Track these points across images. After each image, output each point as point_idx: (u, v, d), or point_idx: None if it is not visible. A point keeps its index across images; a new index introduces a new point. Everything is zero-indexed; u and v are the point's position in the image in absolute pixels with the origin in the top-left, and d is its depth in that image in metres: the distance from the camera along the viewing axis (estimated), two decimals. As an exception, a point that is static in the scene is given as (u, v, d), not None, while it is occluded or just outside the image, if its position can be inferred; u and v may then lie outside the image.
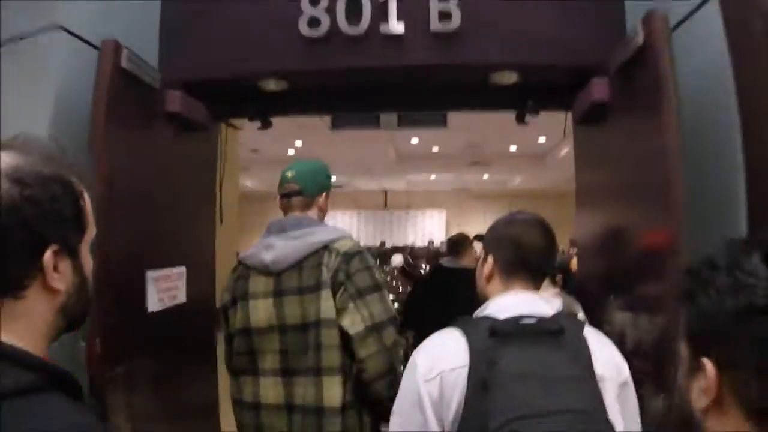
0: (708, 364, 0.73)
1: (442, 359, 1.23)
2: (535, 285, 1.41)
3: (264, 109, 3.33)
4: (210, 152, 3.41)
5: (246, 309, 1.93)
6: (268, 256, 1.92)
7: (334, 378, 1.78)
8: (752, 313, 0.69)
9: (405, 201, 21.79)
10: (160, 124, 2.77)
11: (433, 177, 18.94)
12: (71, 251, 0.79)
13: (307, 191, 2.03)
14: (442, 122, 9.39)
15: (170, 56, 2.92)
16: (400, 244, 21.38)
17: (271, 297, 1.89)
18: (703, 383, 0.74)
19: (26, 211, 0.71)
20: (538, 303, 1.34)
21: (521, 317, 1.26)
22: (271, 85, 3.07)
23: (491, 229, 1.50)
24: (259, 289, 1.93)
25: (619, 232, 2.50)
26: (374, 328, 1.78)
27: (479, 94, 3.15)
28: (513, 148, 14.24)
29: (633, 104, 2.37)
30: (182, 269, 2.86)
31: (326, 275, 1.82)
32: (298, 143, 13.72)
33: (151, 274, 2.59)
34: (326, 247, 1.88)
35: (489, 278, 1.44)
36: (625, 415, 1.26)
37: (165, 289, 2.66)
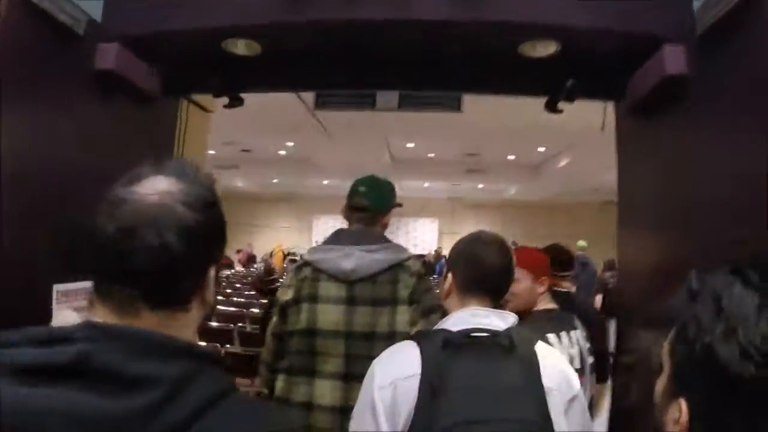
0: (683, 406, 0.73)
1: (396, 368, 1.29)
2: (493, 302, 1.43)
3: (232, 80, 2.65)
4: (162, 133, 2.72)
5: (314, 311, 1.98)
6: (347, 265, 1.98)
7: None
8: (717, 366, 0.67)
9: (397, 208, 21.16)
10: (88, 85, 2.09)
11: (426, 185, 18.42)
12: None
13: (376, 208, 2.11)
14: (456, 106, 7.44)
15: (111, 6, 2.25)
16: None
17: (343, 303, 1.96)
18: (677, 416, 0.74)
19: (199, 234, 0.76)
20: (491, 318, 1.38)
21: (474, 330, 1.31)
22: (241, 47, 2.41)
23: (454, 246, 1.53)
24: (330, 293, 1.99)
25: (689, 259, 1.84)
26: None
27: (505, 70, 2.50)
28: (511, 156, 13.69)
29: (725, 81, 1.73)
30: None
31: (403, 292, 1.94)
32: (290, 143, 13.09)
33: (59, 288, 1.91)
34: (400, 265, 1.97)
35: (448, 294, 1.49)
36: (572, 427, 1.29)
37: (81, 308, 1.97)
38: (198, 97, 3.40)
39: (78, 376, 0.66)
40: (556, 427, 1.22)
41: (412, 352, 1.29)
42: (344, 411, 1.86)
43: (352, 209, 2.13)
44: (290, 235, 20.99)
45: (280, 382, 2.02)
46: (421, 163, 14.57)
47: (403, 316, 1.92)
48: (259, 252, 18.07)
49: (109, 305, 0.75)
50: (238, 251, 16.12)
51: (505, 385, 1.23)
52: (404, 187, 18.84)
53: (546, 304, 2.22)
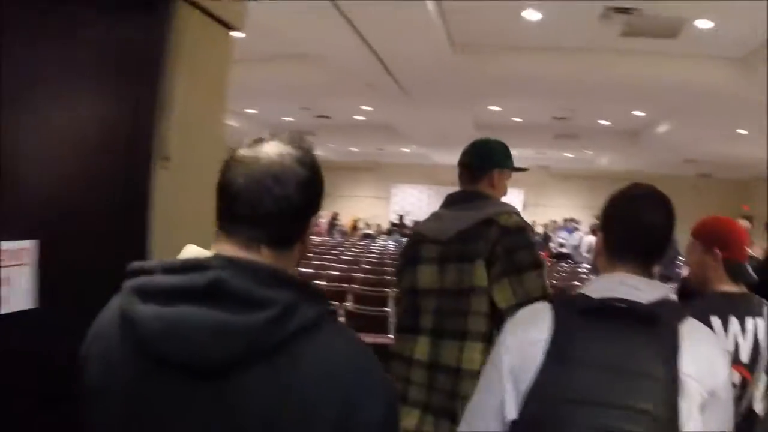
0: None
1: (525, 331, 1.25)
2: (644, 267, 1.29)
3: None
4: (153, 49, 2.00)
5: (414, 272, 2.10)
6: (435, 225, 2.11)
7: (476, 343, 1.90)
8: None
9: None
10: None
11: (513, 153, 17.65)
12: None
13: (474, 166, 2.12)
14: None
15: None
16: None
17: (436, 263, 2.04)
18: None
19: (310, 188, 0.94)
20: (640, 287, 1.23)
21: (614, 300, 1.20)
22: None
23: (605, 203, 1.38)
24: (427, 254, 2.08)
25: None
26: (526, 302, 1.74)
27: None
28: (604, 122, 12.77)
29: None
30: (26, 245, 1.73)
31: (483, 246, 1.92)
32: (368, 107, 12.79)
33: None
34: (489, 220, 1.96)
35: (597, 256, 1.38)
36: (708, 427, 1.12)
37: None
38: (216, 7, 2.24)
39: (211, 297, 0.82)
40: (687, 423, 1.09)
41: (545, 316, 1.24)
42: (434, 367, 1.97)
43: (459, 168, 2.19)
44: (371, 205, 20.87)
45: (396, 341, 2.18)
46: (508, 129, 13.91)
47: (480, 270, 1.92)
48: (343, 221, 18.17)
49: (235, 242, 0.90)
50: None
51: (634, 367, 1.13)
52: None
53: (724, 283, 1.85)
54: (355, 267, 8.98)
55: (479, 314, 1.92)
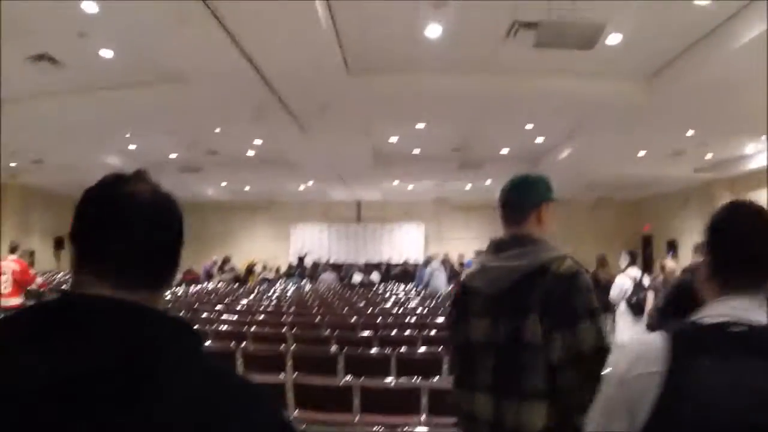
0: None
1: (639, 361, 1.18)
2: (756, 288, 1.20)
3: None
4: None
5: (467, 326, 2.03)
6: (483, 278, 2.01)
7: (535, 403, 1.82)
8: None
9: (380, 213, 20.00)
10: None
11: (410, 187, 17.33)
12: None
13: (519, 204, 2.03)
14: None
15: None
16: (375, 260, 19.63)
17: (489, 317, 1.96)
18: None
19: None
20: (753, 309, 1.18)
21: (729, 324, 1.15)
22: None
23: (708, 222, 1.31)
24: (478, 307, 2.01)
25: None
26: (577, 358, 1.77)
27: None
28: (504, 150, 12.61)
29: None
30: None
31: (536, 299, 1.84)
32: (258, 141, 11.87)
33: None
34: (543, 269, 1.88)
35: (705, 280, 1.29)
36: None
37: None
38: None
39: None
40: None
41: (658, 346, 1.16)
42: (496, 427, 1.88)
43: (500, 210, 2.11)
44: (268, 246, 19.74)
45: (456, 396, 2.12)
46: (408, 161, 13.47)
47: (534, 325, 1.83)
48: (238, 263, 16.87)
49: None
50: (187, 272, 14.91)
51: (760, 391, 1.06)
52: (387, 191, 17.74)
53: None
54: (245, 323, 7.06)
55: (536, 371, 1.82)
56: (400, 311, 8.20)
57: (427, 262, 12.96)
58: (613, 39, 6.26)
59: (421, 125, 10.23)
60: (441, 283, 11.67)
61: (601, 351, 1.77)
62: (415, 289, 12.58)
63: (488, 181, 16.07)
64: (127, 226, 0.85)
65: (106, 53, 6.77)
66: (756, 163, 12.54)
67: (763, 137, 11.08)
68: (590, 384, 1.66)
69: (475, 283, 2.04)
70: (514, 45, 6.28)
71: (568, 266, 1.87)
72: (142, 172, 0.91)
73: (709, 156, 12.45)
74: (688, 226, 14.84)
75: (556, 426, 1.81)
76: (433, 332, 5.88)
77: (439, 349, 4.62)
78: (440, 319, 6.95)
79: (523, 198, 2.02)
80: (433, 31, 6.17)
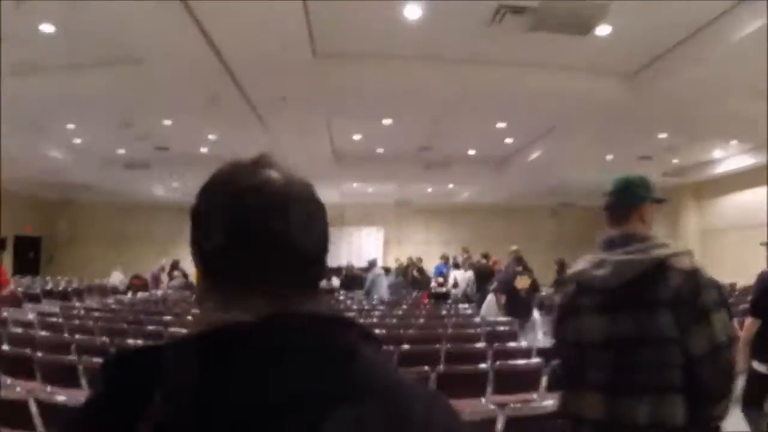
0: None
1: None
2: None
3: None
4: None
5: (578, 323, 2.00)
6: (600, 273, 1.98)
7: (674, 396, 1.82)
8: None
9: (339, 216, 19.35)
10: None
11: (370, 189, 16.73)
12: None
13: (619, 203, 2.08)
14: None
15: None
16: (333, 265, 18.86)
17: (604, 313, 1.93)
18: None
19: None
20: None
21: None
22: None
23: None
24: (591, 304, 1.97)
25: None
26: (717, 349, 1.80)
27: None
28: (472, 151, 12.18)
29: None
30: None
31: (664, 292, 1.85)
32: (213, 136, 11.08)
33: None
34: (662, 264, 1.89)
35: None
36: None
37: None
38: None
39: None
40: None
41: None
42: (611, 425, 1.86)
43: (604, 210, 2.13)
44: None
45: (559, 396, 2.10)
46: (371, 160, 12.91)
47: (668, 319, 1.81)
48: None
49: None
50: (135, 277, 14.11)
51: None
52: (346, 193, 17.11)
53: None
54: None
55: (674, 366, 1.81)
56: (368, 321, 7.58)
57: (371, 266, 12.00)
58: (603, 30, 5.85)
59: (388, 121, 9.66)
60: (383, 290, 11.03)
61: (732, 341, 1.85)
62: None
63: (450, 185, 15.65)
64: (306, 227, 0.77)
65: (47, 27, 5.95)
66: (722, 168, 12.55)
67: (734, 142, 11.03)
68: (727, 373, 1.85)
69: (596, 273, 2.00)
70: (499, 31, 5.81)
71: (690, 262, 1.89)
72: (266, 155, 0.81)
73: (675, 161, 12.36)
74: (653, 231, 14.74)
75: (692, 418, 1.83)
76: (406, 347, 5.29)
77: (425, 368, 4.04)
78: (411, 331, 6.39)
79: (629, 198, 2.06)
80: (412, 12, 5.61)
